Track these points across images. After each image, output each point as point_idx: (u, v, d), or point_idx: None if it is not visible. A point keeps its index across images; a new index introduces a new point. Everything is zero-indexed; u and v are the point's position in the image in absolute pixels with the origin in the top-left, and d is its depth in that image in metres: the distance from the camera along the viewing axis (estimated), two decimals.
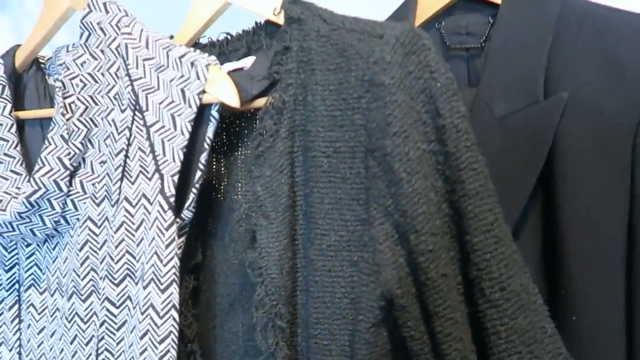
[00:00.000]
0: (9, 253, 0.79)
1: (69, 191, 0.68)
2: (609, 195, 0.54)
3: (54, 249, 0.75)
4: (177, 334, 0.62)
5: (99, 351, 0.66)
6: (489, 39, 0.65)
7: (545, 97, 0.57)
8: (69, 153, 0.67)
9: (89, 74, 0.69)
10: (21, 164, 0.78)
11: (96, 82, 0.69)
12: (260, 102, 0.63)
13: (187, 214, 0.64)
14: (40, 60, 0.84)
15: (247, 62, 0.69)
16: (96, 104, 0.69)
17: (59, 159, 0.67)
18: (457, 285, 0.55)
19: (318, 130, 0.58)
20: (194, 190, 0.63)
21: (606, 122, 0.54)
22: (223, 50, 0.73)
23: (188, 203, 0.63)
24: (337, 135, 0.57)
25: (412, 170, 0.53)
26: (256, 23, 0.71)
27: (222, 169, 0.72)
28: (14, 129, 0.78)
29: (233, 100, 0.60)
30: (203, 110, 0.63)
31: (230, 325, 0.70)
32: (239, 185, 0.71)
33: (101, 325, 0.66)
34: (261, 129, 0.61)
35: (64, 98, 0.68)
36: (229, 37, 0.73)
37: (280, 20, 0.65)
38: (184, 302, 0.67)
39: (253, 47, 0.72)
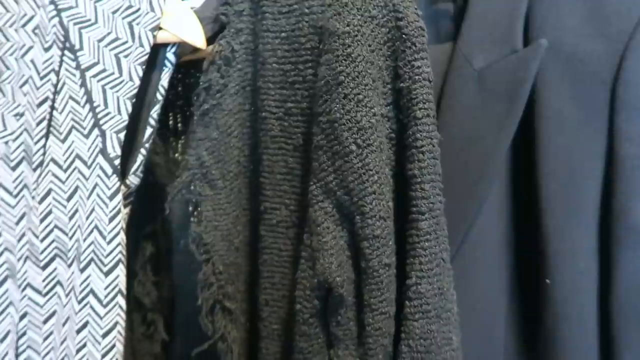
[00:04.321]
0: None
1: None
2: (587, 150, 0.51)
3: None
4: (123, 324, 0.51)
5: (20, 349, 0.54)
6: None
7: (526, 46, 0.52)
8: None
9: None
10: None
11: (7, 11, 0.54)
12: (208, 50, 0.53)
13: (133, 179, 0.52)
14: None
15: (196, 0, 0.58)
16: (7, 40, 0.54)
17: None
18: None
19: (269, 87, 0.50)
20: (142, 150, 0.52)
21: (585, 69, 0.50)
22: None
23: (136, 166, 0.52)
24: (288, 93, 0.49)
25: (364, 142, 0.45)
26: None
27: (179, 125, 0.63)
28: None
29: (198, 39, 0.49)
30: (156, 53, 0.51)
31: (191, 296, 0.63)
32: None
33: (22, 317, 0.53)
34: (206, 82, 0.51)
35: None
36: None
37: None
38: (142, 268, 0.59)
39: None
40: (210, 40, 0.52)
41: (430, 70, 0.46)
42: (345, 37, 0.44)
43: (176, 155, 0.60)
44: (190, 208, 0.55)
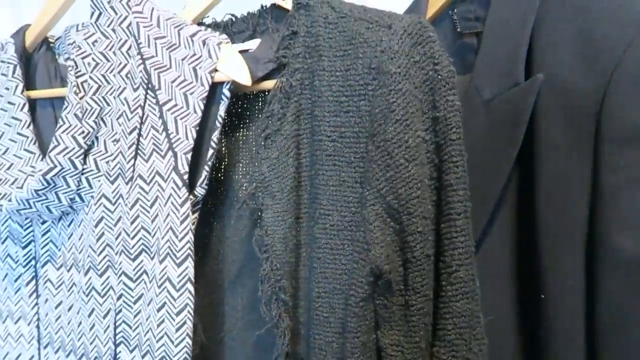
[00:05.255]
0: (25, 230, 0.81)
1: (84, 169, 0.69)
2: (575, 177, 0.54)
3: (69, 226, 0.76)
4: (192, 306, 0.64)
5: (117, 323, 0.69)
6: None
7: (527, 78, 0.57)
8: (83, 131, 0.68)
9: (101, 52, 0.69)
10: (34, 143, 0.79)
11: (108, 60, 0.69)
12: (266, 84, 0.65)
13: (200, 190, 0.65)
14: (50, 40, 0.85)
15: (253, 44, 0.69)
16: (108, 83, 0.70)
17: (74, 137, 0.68)
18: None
19: (324, 115, 0.61)
20: (206, 167, 0.65)
21: (575, 101, 0.54)
22: (227, 31, 0.73)
23: (201, 180, 0.65)
24: (343, 120, 0.60)
25: (410, 157, 0.56)
26: (262, 6, 0.71)
27: (223, 148, 0.72)
28: (26, 109, 0.79)
29: (244, 78, 0.61)
30: (215, 89, 0.64)
31: (229, 300, 0.73)
32: (240, 165, 0.72)
33: (118, 298, 0.68)
34: (269, 112, 0.63)
35: (77, 77, 0.69)
36: (233, 18, 0.73)
37: (288, 5, 0.65)
38: None
39: (258, 30, 0.72)
40: (267, 76, 0.64)
41: (459, 103, 0.56)
42: (396, 76, 0.55)
43: (219, 175, 0.70)
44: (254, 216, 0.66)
